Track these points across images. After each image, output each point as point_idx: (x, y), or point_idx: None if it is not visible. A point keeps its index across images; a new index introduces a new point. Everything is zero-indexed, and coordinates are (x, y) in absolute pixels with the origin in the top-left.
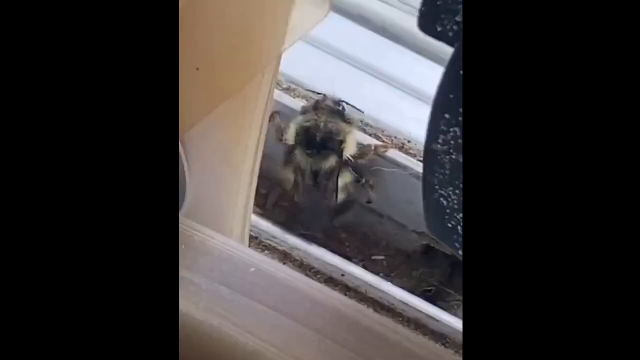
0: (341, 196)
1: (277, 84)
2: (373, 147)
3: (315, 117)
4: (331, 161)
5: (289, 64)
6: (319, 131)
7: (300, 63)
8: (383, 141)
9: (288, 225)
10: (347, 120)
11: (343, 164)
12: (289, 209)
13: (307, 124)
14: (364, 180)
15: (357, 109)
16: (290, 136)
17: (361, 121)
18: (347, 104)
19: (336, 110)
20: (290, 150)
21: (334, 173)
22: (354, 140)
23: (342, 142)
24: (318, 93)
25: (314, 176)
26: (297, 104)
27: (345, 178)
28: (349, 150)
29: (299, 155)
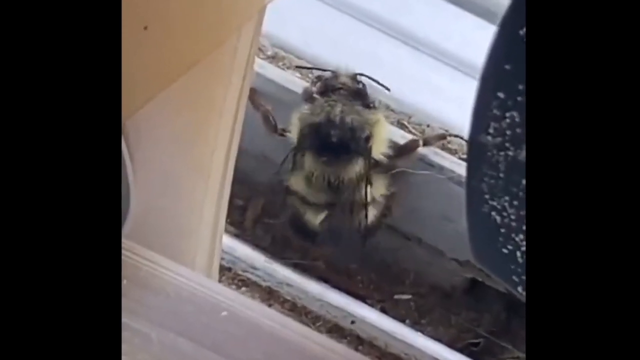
0: (373, 214)
1: (259, 49)
2: (421, 142)
3: (328, 106)
4: (356, 168)
5: (276, 23)
6: (335, 128)
7: (290, 21)
8: (409, 132)
9: (275, 251)
10: (371, 104)
11: (373, 167)
12: (277, 229)
13: (317, 118)
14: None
15: (382, 85)
16: (293, 135)
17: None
18: (368, 77)
19: (355, 90)
20: (294, 154)
21: (360, 184)
22: (384, 132)
23: (369, 138)
24: (324, 70)
25: (332, 190)
26: (289, 78)
27: (378, 189)
28: (380, 148)
29: (310, 162)
